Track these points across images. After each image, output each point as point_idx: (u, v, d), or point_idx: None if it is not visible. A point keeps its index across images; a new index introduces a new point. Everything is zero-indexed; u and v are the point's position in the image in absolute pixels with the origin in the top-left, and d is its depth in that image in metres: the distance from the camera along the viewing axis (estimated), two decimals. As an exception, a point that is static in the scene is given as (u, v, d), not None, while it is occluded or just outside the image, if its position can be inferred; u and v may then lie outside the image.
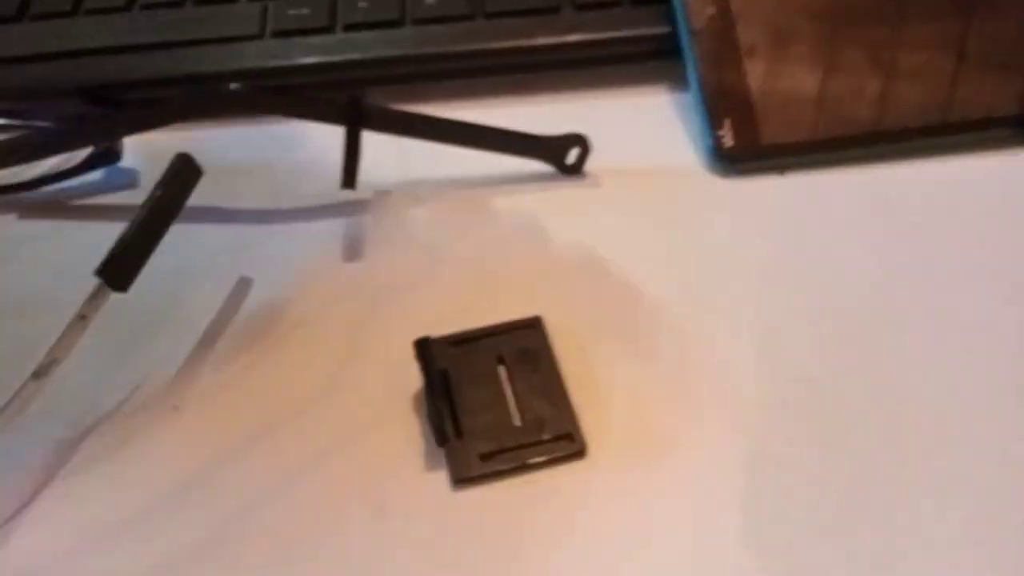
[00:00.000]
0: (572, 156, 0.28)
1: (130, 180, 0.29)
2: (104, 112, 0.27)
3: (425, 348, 0.22)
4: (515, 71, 0.32)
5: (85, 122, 0.27)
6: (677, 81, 0.31)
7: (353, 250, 0.27)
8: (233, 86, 0.25)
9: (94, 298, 0.21)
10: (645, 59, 0.31)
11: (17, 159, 0.27)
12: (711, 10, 0.29)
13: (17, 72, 0.31)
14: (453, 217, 0.27)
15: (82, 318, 0.21)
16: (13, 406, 0.20)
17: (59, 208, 0.29)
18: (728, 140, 0.28)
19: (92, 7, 0.32)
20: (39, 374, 0.20)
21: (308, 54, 0.30)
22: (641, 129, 0.30)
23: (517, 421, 0.22)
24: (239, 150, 0.30)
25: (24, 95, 0.31)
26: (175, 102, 0.26)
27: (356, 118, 0.26)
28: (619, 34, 0.31)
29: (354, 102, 0.26)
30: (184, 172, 0.24)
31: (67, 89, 0.30)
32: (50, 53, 0.31)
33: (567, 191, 0.28)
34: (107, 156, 0.28)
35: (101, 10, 0.32)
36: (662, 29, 0.31)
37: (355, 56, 0.30)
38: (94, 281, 0.21)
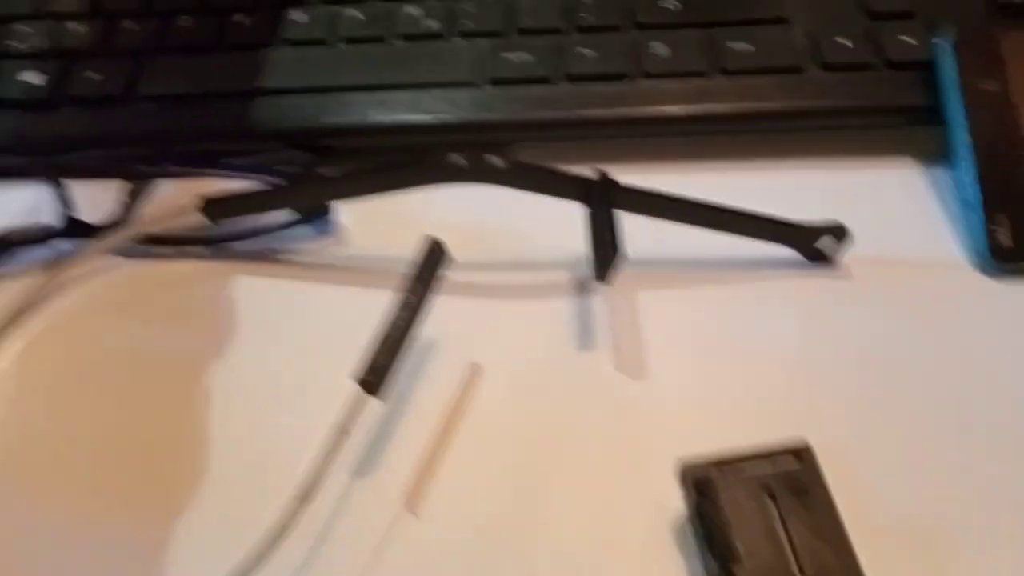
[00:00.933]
0: (825, 244, 0.26)
1: (333, 228, 0.28)
2: (332, 177, 0.25)
3: (695, 479, 0.20)
4: (749, 133, 0.29)
5: (311, 182, 0.25)
6: (931, 149, 0.28)
7: (586, 337, 0.25)
8: (492, 160, 0.23)
9: (355, 408, 0.19)
10: (896, 127, 0.28)
11: (241, 213, 0.25)
12: (991, 85, 0.26)
13: (213, 109, 0.29)
14: (695, 309, 0.25)
15: (344, 432, 0.19)
16: (278, 531, 0.18)
17: (272, 262, 0.27)
18: (1004, 238, 0.25)
19: (292, 37, 0.30)
20: (304, 498, 0.19)
21: (528, 109, 0.28)
22: (892, 209, 0.27)
23: (795, 569, 0.20)
24: (448, 209, 0.28)
25: (221, 135, 0.29)
26: (412, 168, 0.24)
27: (607, 198, 0.24)
28: (869, 103, 0.28)
29: (605, 181, 0.24)
30: (435, 259, 0.22)
31: (266, 132, 0.29)
32: (247, 91, 0.29)
33: (819, 283, 0.26)
34: (321, 212, 0.27)
35: (301, 42, 0.30)
36: (921, 100, 0.27)
37: (582, 113, 0.28)
38: (344, 379, 0.19)
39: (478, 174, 0.24)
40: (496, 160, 0.23)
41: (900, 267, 0.26)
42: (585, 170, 0.24)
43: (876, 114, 0.28)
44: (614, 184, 0.24)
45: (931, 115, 0.27)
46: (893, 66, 0.28)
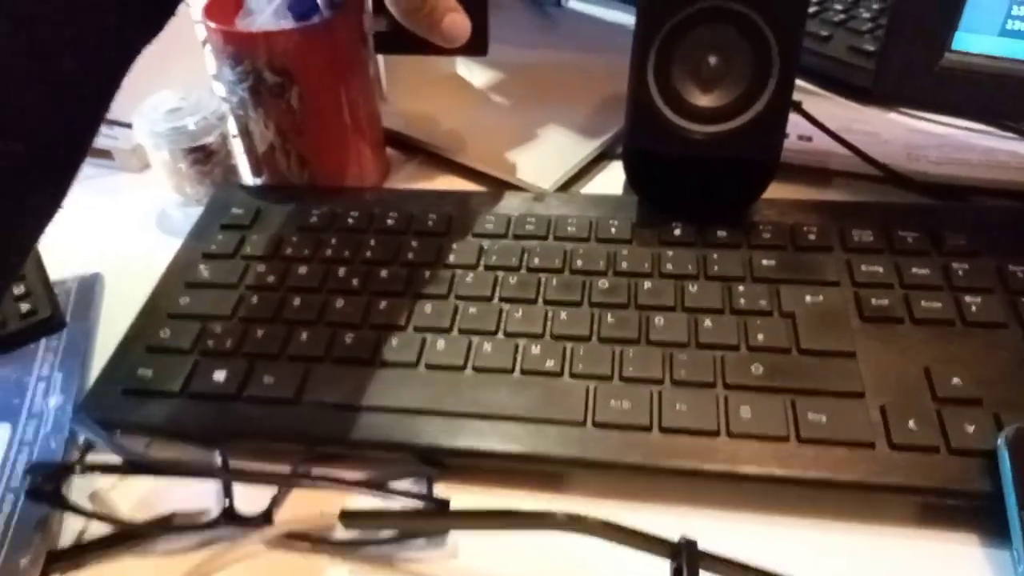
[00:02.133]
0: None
1: (446, 544, 0.32)
2: (454, 511, 0.30)
3: None
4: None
5: (436, 512, 0.30)
6: (997, 534, 0.30)
7: None
8: (591, 520, 0.27)
9: None
10: (960, 508, 0.31)
11: (373, 527, 0.30)
12: (1046, 490, 0.29)
13: (361, 420, 0.35)
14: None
15: None
16: None
17: (391, 567, 0.31)
18: (1063, 641, 0.27)
19: (431, 362, 0.36)
20: None
21: (625, 452, 0.32)
22: (955, 590, 0.29)
23: None
24: (554, 545, 0.32)
25: (364, 444, 0.34)
26: (526, 517, 0.28)
27: (692, 560, 0.27)
28: (933, 485, 0.31)
29: (690, 546, 0.27)
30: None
31: (400, 445, 0.34)
32: (389, 407, 0.35)
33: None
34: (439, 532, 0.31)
35: (439, 366, 0.36)
36: (984, 487, 0.30)
37: (672, 464, 0.32)
38: None
39: (577, 528, 0.28)
40: (594, 520, 0.28)
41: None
42: (671, 516, 0.28)
43: (940, 495, 0.31)
44: (697, 550, 0.27)
45: (995, 501, 0.30)
46: (956, 452, 0.31)
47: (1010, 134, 0.50)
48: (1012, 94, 0.35)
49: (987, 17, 0.34)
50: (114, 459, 0.32)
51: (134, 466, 0.31)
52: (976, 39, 0.35)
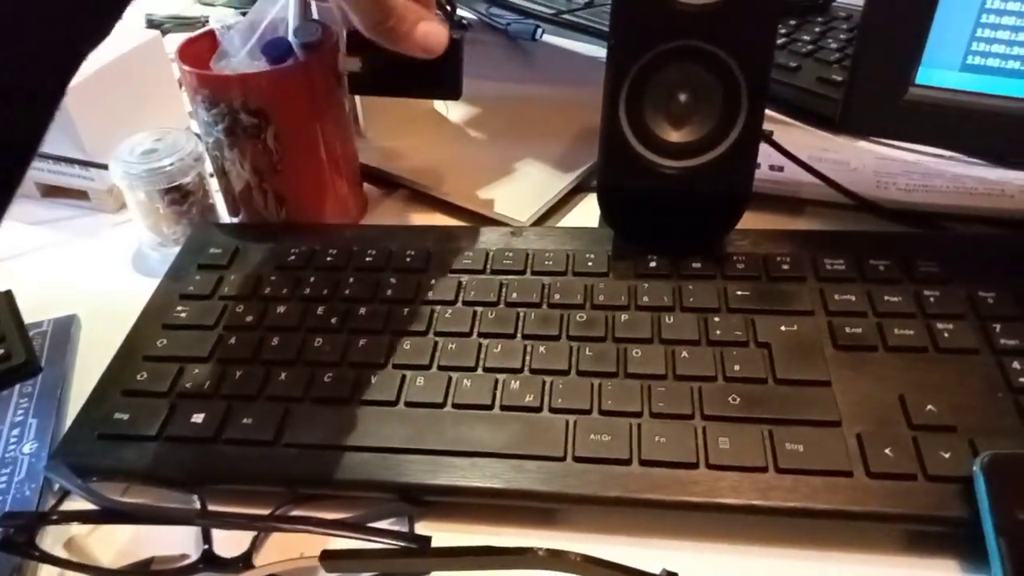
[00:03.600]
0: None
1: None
2: (434, 551, 0.30)
3: None
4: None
5: (417, 553, 0.30)
6: (976, 560, 0.30)
7: None
8: (570, 556, 0.27)
9: None
10: (938, 533, 0.32)
11: (355, 570, 0.30)
12: (1022, 514, 0.29)
13: (340, 460, 0.34)
14: None
15: None
16: None
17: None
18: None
19: (411, 400, 0.36)
20: None
21: (605, 486, 0.33)
22: (936, 617, 0.30)
23: None
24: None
25: (343, 484, 0.34)
26: (495, 553, 0.28)
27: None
28: (911, 512, 0.31)
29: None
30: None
31: (380, 484, 0.34)
32: (369, 447, 0.35)
33: None
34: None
35: (418, 404, 0.36)
36: (961, 513, 0.31)
37: (652, 496, 0.32)
38: None
39: (558, 566, 0.28)
40: (573, 555, 0.28)
41: None
42: (652, 548, 0.28)
43: (918, 522, 0.31)
44: (679, 585, 0.27)
45: (973, 527, 0.30)
46: (933, 479, 0.32)
47: (977, 160, 0.51)
48: (974, 126, 0.36)
49: (949, 52, 0.35)
50: (90, 506, 0.31)
51: (110, 514, 0.31)
52: (939, 73, 0.36)
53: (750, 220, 0.45)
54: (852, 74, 0.38)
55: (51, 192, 0.55)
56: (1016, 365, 0.35)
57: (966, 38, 0.34)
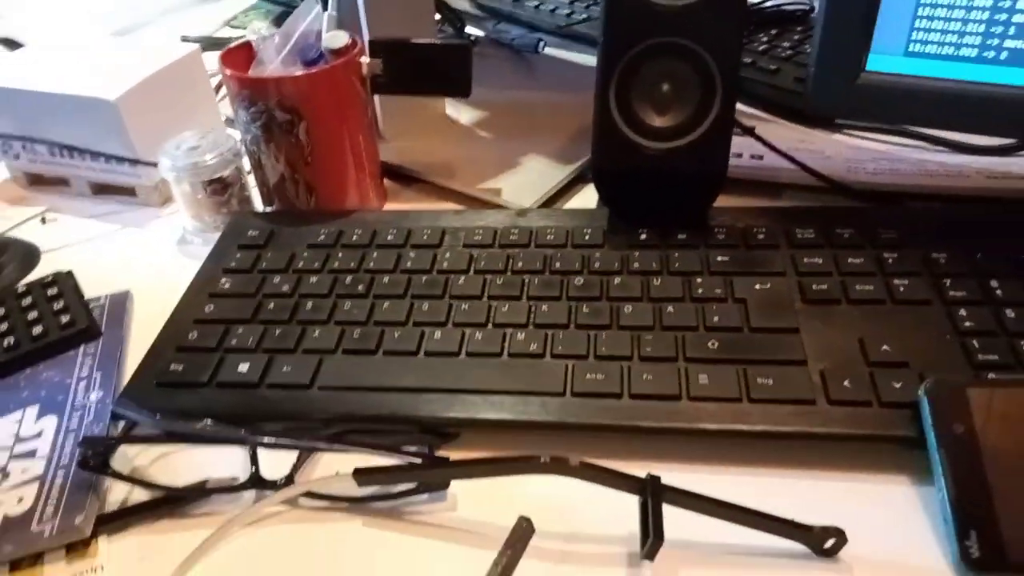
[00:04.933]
0: (829, 543, 0.33)
1: (446, 496, 0.36)
2: (453, 462, 0.35)
3: None
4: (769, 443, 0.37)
5: (436, 465, 0.35)
6: (924, 473, 0.35)
7: (635, 604, 0.32)
8: (570, 461, 0.32)
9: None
10: (892, 451, 0.36)
11: (382, 483, 0.35)
12: (959, 428, 0.34)
13: (369, 399, 0.39)
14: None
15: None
16: None
17: (399, 519, 0.36)
18: (975, 551, 0.32)
19: (429, 350, 0.41)
20: None
21: (601, 416, 0.37)
22: (888, 519, 0.34)
23: None
24: (536, 488, 0.36)
25: (373, 419, 0.39)
26: (514, 463, 0.33)
27: (655, 495, 0.32)
28: (866, 432, 0.36)
29: (654, 480, 0.32)
30: (525, 533, 0.30)
31: (405, 418, 0.39)
32: (393, 387, 0.40)
33: (822, 574, 0.32)
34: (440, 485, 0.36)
35: (437, 353, 0.41)
36: (909, 432, 0.35)
37: (639, 423, 0.37)
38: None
39: (559, 470, 0.33)
40: (573, 460, 0.32)
41: (891, 567, 0.32)
42: (640, 470, 0.33)
43: (872, 441, 0.36)
44: (661, 484, 0.32)
45: (919, 444, 0.35)
46: (886, 405, 0.36)
47: (939, 147, 0.56)
48: (918, 106, 0.41)
49: (893, 41, 0.41)
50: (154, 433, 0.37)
51: (172, 435, 0.36)
52: (886, 60, 0.41)
53: (733, 202, 0.50)
54: (814, 65, 0.43)
55: (101, 190, 0.61)
56: (963, 312, 0.40)
57: (907, 27, 0.40)
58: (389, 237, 0.49)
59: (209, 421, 0.37)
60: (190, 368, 0.42)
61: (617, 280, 0.44)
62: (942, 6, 0.39)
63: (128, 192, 0.60)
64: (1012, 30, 0.38)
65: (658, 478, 0.33)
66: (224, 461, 0.38)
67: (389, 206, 0.58)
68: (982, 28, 0.39)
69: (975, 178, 0.52)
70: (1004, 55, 0.39)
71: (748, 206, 0.50)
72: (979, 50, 0.39)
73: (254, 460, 0.37)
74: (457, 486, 0.36)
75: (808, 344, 0.40)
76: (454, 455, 0.37)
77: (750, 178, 0.55)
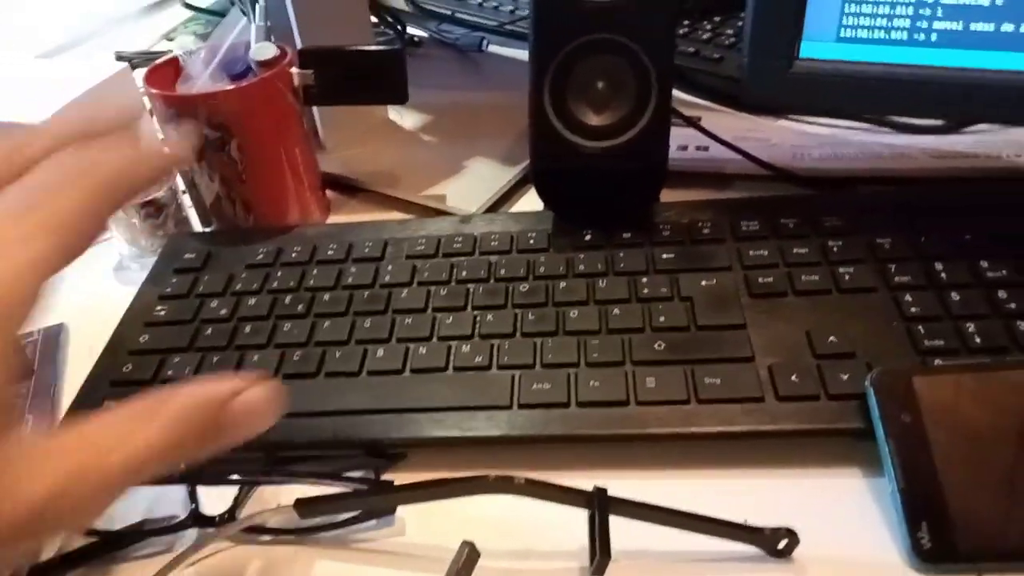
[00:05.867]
0: (782, 544, 0.32)
1: (394, 521, 0.35)
2: (398, 487, 0.34)
3: None
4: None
5: (381, 491, 0.34)
6: (875, 465, 0.35)
7: (589, 621, 0.31)
8: (517, 480, 0.31)
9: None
10: (842, 445, 0.36)
11: (326, 512, 0.34)
12: (906, 418, 0.34)
13: (310, 424, 0.38)
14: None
15: None
16: None
17: (346, 548, 0.35)
18: (926, 543, 0.31)
19: (372, 368, 0.40)
20: None
21: (549, 427, 0.37)
22: (840, 514, 0.34)
23: None
24: (484, 508, 0.35)
25: (314, 445, 0.38)
26: (451, 484, 0.32)
27: (603, 507, 0.31)
28: (815, 427, 0.35)
29: (601, 493, 0.31)
30: (469, 558, 0.29)
31: (348, 442, 0.38)
32: (335, 411, 0.39)
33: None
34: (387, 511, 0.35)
35: (379, 372, 0.40)
36: (858, 424, 0.35)
37: (588, 431, 0.36)
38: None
39: (506, 489, 0.32)
40: (520, 480, 0.32)
41: (844, 564, 0.32)
42: (591, 479, 0.32)
43: (822, 435, 0.35)
44: (608, 497, 0.31)
45: (868, 436, 0.34)
46: (834, 398, 0.36)
47: (883, 129, 0.56)
48: (851, 91, 0.41)
49: (824, 27, 0.40)
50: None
51: (105, 479, 0.34)
52: (818, 46, 0.41)
53: (680, 195, 0.49)
54: (748, 53, 0.42)
55: (34, 219, 0.59)
56: (908, 298, 0.40)
57: (837, 13, 0.39)
58: (330, 252, 0.48)
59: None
60: (125, 403, 0.40)
61: (562, 284, 0.43)
62: (869, -10, 0.38)
63: (61, 219, 0.58)
64: (940, 11, 0.38)
65: (604, 491, 0.32)
66: (162, 499, 0.37)
67: (333, 218, 0.57)
68: (911, 11, 0.38)
69: (921, 159, 0.52)
70: (934, 36, 0.39)
71: (695, 199, 0.49)
72: (909, 33, 0.39)
73: (193, 497, 0.35)
74: (405, 508, 0.36)
75: (755, 340, 0.39)
76: (401, 477, 0.36)
77: (697, 170, 0.54)
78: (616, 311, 0.41)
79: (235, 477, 0.36)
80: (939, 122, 0.54)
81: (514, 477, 0.32)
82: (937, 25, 0.38)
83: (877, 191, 0.51)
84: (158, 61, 0.52)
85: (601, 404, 0.37)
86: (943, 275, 0.41)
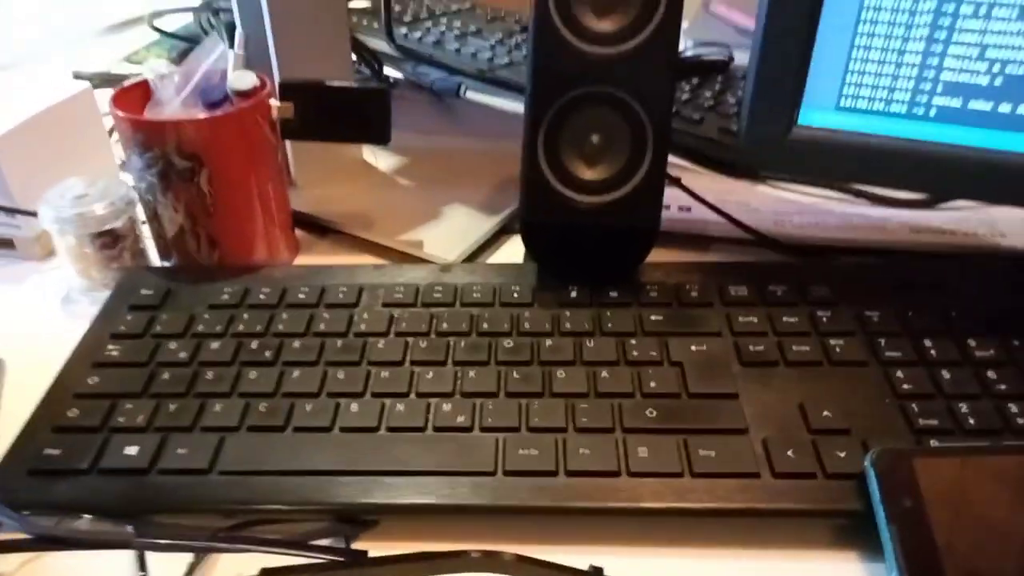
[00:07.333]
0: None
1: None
2: (372, 560, 0.31)
3: None
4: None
5: (354, 564, 0.31)
6: (872, 548, 0.33)
7: None
8: (503, 557, 0.29)
9: None
10: (839, 526, 0.34)
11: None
12: (908, 502, 0.32)
13: (276, 485, 0.35)
14: None
15: None
16: None
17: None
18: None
19: (345, 425, 0.38)
20: None
21: (535, 497, 0.34)
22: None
23: None
24: None
25: (273, 510, 0.35)
26: (433, 559, 0.30)
27: (598, 590, 0.29)
28: (812, 507, 0.34)
29: (597, 572, 0.29)
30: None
31: (317, 506, 0.35)
32: (304, 471, 0.36)
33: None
34: (358, 584, 0.32)
35: (353, 429, 0.37)
36: (856, 506, 0.34)
37: (580, 504, 0.34)
38: None
39: (493, 567, 0.29)
40: (507, 555, 0.29)
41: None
42: (580, 554, 0.30)
43: (819, 516, 0.34)
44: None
45: (867, 518, 0.33)
46: (831, 476, 0.35)
47: (861, 200, 0.56)
48: (850, 160, 0.41)
49: (824, 95, 0.40)
50: (22, 536, 0.31)
51: (43, 541, 0.31)
52: (817, 114, 0.41)
53: (663, 255, 0.48)
54: (746, 119, 0.42)
55: (-28, 242, 0.55)
56: (900, 374, 0.39)
57: (837, 83, 0.39)
58: (300, 296, 0.46)
59: (89, 517, 0.32)
60: (69, 452, 0.37)
61: (548, 342, 0.42)
62: (873, 61, 0.38)
63: (5, 244, 0.54)
64: (940, 87, 0.38)
65: (601, 569, 0.30)
66: (108, 565, 0.33)
67: (301, 259, 0.54)
68: (911, 84, 0.38)
69: (899, 231, 0.52)
70: (933, 112, 0.39)
71: (678, 260, 0.48)
72: (909, 106, 0.39)
73: (142, 565, 0.32)
74: (378, 582, 0.33)
75: (748, 410, 0.38)
76: (374, 546, 0.34)
77: (678, 230, 0.54)
78: (605, 373, 0.40)
79: (190, 543, 0.32)
80: (918, 196, 0.54)
81: (502, 553, 0.30)
82: (937, 100, 0.38)
83: (860, 262, 0.50)
84: (127, 83, 0.49)
85: (592, 474, 0.35)
86: (932, 352, 0.40)
